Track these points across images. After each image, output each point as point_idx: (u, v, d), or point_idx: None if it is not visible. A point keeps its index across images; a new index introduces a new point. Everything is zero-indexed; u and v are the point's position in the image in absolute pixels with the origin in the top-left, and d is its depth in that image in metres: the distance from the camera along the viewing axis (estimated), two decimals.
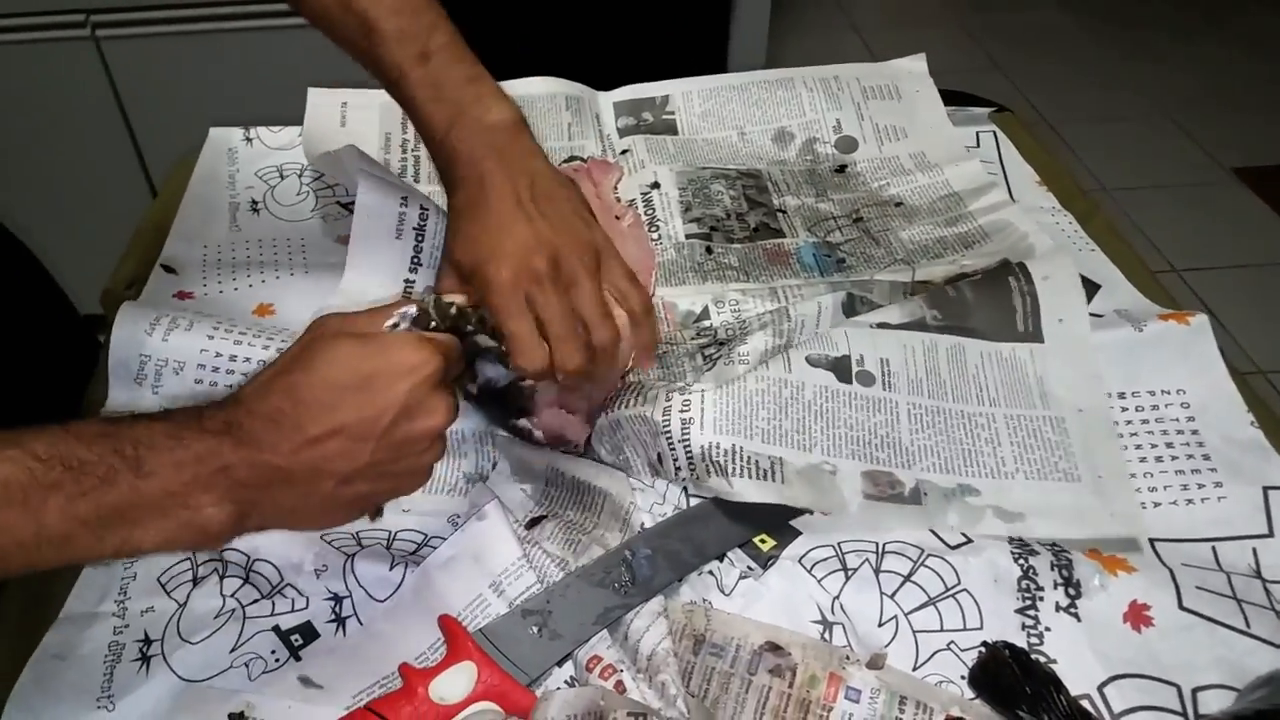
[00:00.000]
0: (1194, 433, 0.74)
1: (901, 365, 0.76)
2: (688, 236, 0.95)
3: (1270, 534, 0.69)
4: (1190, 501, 0.71)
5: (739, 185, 1.01)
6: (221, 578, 0.68)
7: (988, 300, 0.80)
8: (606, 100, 1.11)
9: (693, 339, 0.83)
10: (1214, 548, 0.68)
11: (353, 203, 0.88)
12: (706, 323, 0.85)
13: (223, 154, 1.07)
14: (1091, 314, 0.79)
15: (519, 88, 1.07)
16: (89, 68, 1.86)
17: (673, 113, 1.09)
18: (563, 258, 0.64)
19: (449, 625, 0.61)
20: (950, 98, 1.10)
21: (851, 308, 0.83)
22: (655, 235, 0.94)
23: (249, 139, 1.10)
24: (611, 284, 0.67)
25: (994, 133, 1.07)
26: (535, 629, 0.62)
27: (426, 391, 0.56)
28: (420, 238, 0.83)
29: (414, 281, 0.82)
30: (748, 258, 0.93)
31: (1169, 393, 0.76)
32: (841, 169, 1.03)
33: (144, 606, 0.67)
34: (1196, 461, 0.72)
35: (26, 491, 0.46)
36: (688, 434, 0.70)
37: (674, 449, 0.70)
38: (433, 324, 0.62)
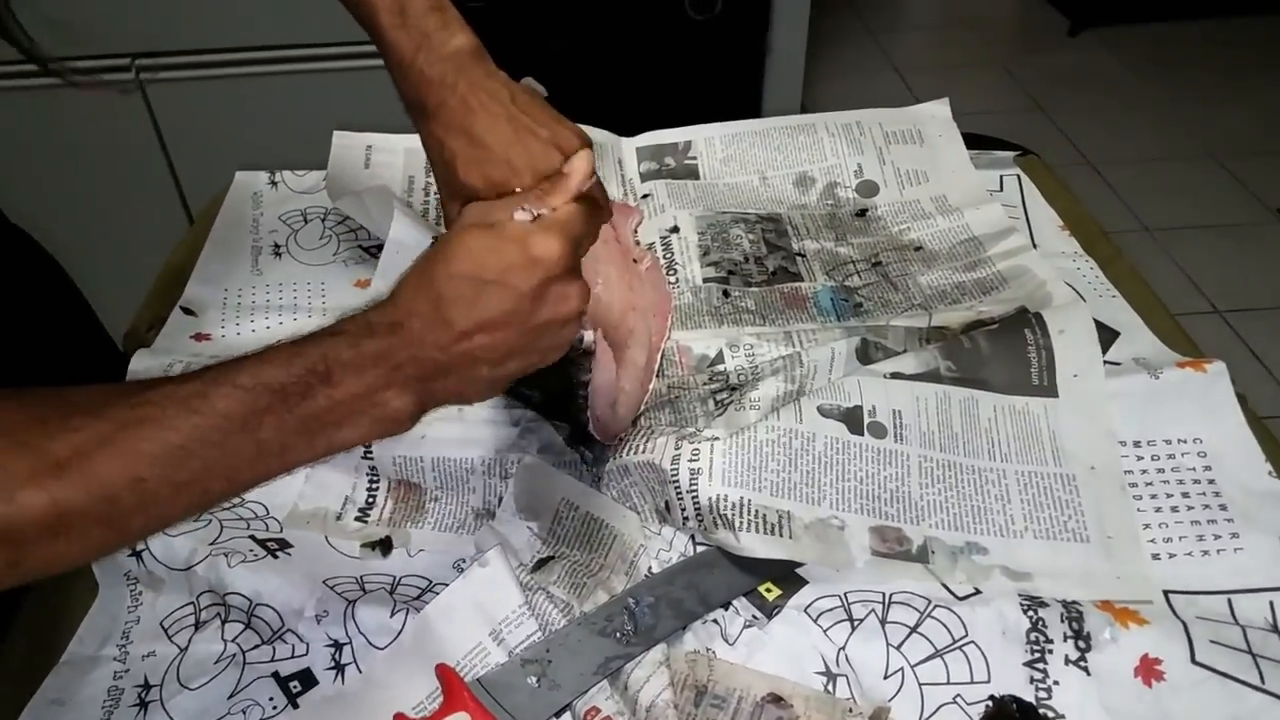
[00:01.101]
0: (1210, 482, 0.73)
1: (914, 417, 0.75)
2: (705, 280, 0.95)
3: None
4: (1206, 553, 0.70)
5: (759, 229, 1.01)
6: (224, 622, 0.68)
7: (1003, 352, 0.79)
8: (629, 145, 1.11)
9: (705, 383, 0.82)
10: (1229, 600, 0.66)
11: (375, 247, 0.92)
12: (720, 367, 0.85)
13: (247, 198, 1.09)
14: (1109, 362, 0.79)
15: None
16: (133, 109, 1.92)
17: (695, 158, 1.09)
18: (568, 152, 0.67)
19: (445, 675, 0.61)
20: (977, 141, 1.09)
21: (865, 354, 0.83)
22: (673, 279, 0.95)
23: (274, 182, 1.11)
24: None
25: (1017, 176, 1.06)
26: (534, 679, 0.62)
27: (558, 279, 0.59)
28: None
29: None
30: (765, 301, 0.93)
31: (1185, 441, 0.75)
32: (862, 213, 1.03)
33: (145, 651, 0.68)
34: (1213, 511, 0.71)
35: (245, 418, 0.51)
36: (696, 484, 0.70)
37: (682, 498, 0.70)
38: None
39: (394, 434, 0.60)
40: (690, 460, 0.71)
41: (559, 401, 0.80)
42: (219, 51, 1.84)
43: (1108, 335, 0.82)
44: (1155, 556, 0.70)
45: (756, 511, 0.69)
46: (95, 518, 0.47)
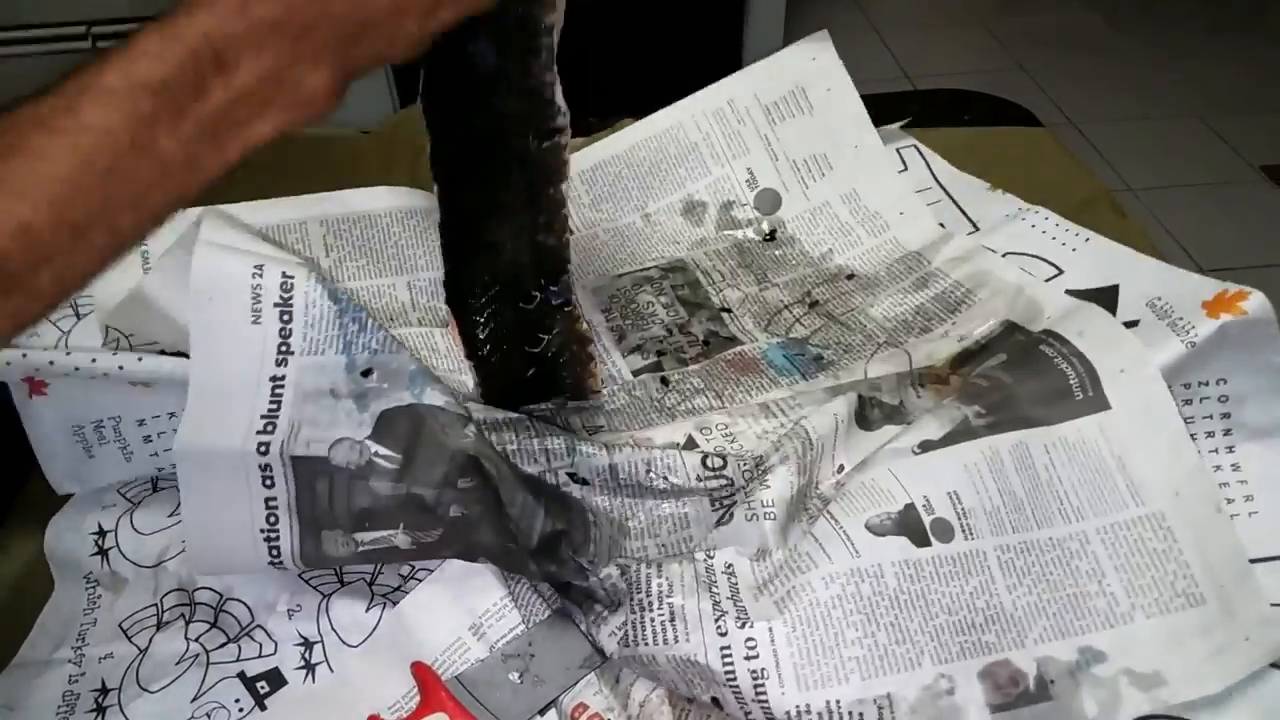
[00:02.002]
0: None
1: (974, 498, 0.65)
2: (635, 373, 0.83)
3: None
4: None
5: (668, 287, 0.91)
6: (188, 622, 0.70)
7: (1029, 375, 0.70)
8: None
9: (701, 478, 0.69)
10: None
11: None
12: (699, 448, 0.72)
13: None
14: (1126, 323, 0.72)
15: (386, 199, 0.91)
16: None
17: None
18: None
19: (422, 673, 0.61)
20: (980, 103, 1.00)
21: (863, 414, 0.74)
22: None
23: None
24: None
25: (915, 146, 1.00)
26: (516, 675, 0.62)
27: None
28: (287, 317, 0.64)
29: (283, 378, 0.63)
30: (712, 375, 0.82)
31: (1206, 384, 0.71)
32: (771, 235, 0.95)
33: (103, 653, 0.69)
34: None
35: (131, 131, 0.44)
36: (764, 692, 0.58)
37: (747, 707, 0.59)
38: None
39: (315, 117, 0.53)
40: (748, 655, 0.59)
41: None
42: None
43: (1106, 296, 0.76)
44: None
45: (850, 712, 0.58)
46: None
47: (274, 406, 0.62)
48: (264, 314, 0.62)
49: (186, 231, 0.67)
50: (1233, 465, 0.69)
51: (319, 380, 0.62)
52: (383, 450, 0.63)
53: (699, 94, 1.00)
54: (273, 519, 0.63)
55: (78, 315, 0.82)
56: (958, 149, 1.04)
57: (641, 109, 1.04)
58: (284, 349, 0.62)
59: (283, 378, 0.62)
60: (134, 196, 0.45)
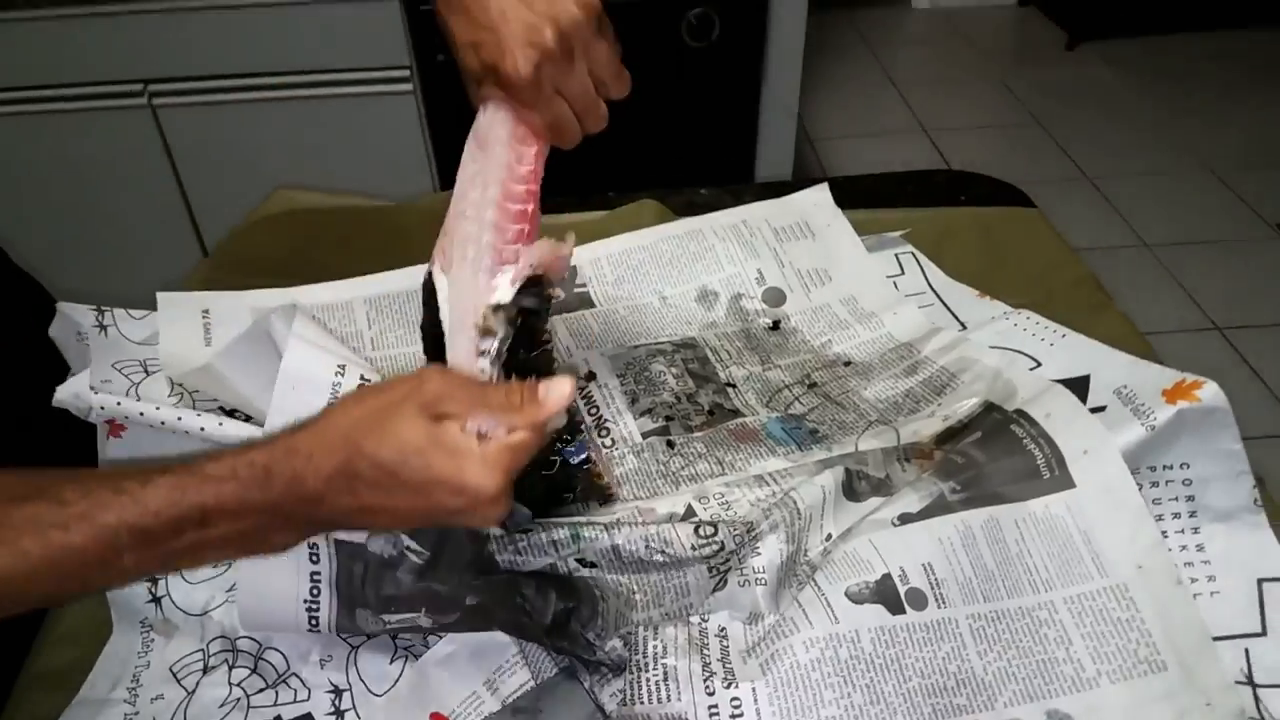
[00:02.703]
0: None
1: (947, 569, 0.71)
2: (644, 435, 0.89)
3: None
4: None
5: (679, 360, 0.97)
6: (231, 667, 0.77)
7: (1000, 454, 0.76)
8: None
9: (695, 546, 0.73)
10: None
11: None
12: (695, 519, 0.76)
13: (71, 337, 0.91)
14: (1093, 408, 0.78)
15: (396, 280, 1.01)
16: (145, 134, 2.08)
17: (584, 285, 1.07)
18: (563, 33, 0.65)
19: None
20: (977, 183, 1.06)
21: (850, 486, 0.79)
22: (606, 439, 0.89)
23: (102, 325, 0.90)
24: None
25: (912, 254, 1.08)
26: None
27: (480, 508, 0.59)
28: None
29: None
30: (714, 442, 0.87)
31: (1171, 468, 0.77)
32: (775, 325, 1.03)
33: (154, 694, 0.76)
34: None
35: (103, 554, 0.55)
36: None
37: None
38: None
39: (271, 555, 0.62)
40: (733, 714, 0.65)
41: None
42: (234, 76, 1.99)
43: (1079, 385, 0.81)
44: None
45: None
46: None
47: None
48: None
49: (254, 325, 0.79)
50: (1197, 546, 0.74)
51: None
52: (414, 546, 0.71)
53: (716, 213, 1.11)
54: (315, 591, 0.71)
55: (146, 372, 0.89)
56: (955, 229, 1.12)
57: (661, 183, 1.11)
58: None
59: None
60: (82, 587, 0.58)
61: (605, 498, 0.80)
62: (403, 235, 1.11)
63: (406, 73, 1.97)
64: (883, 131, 3.51)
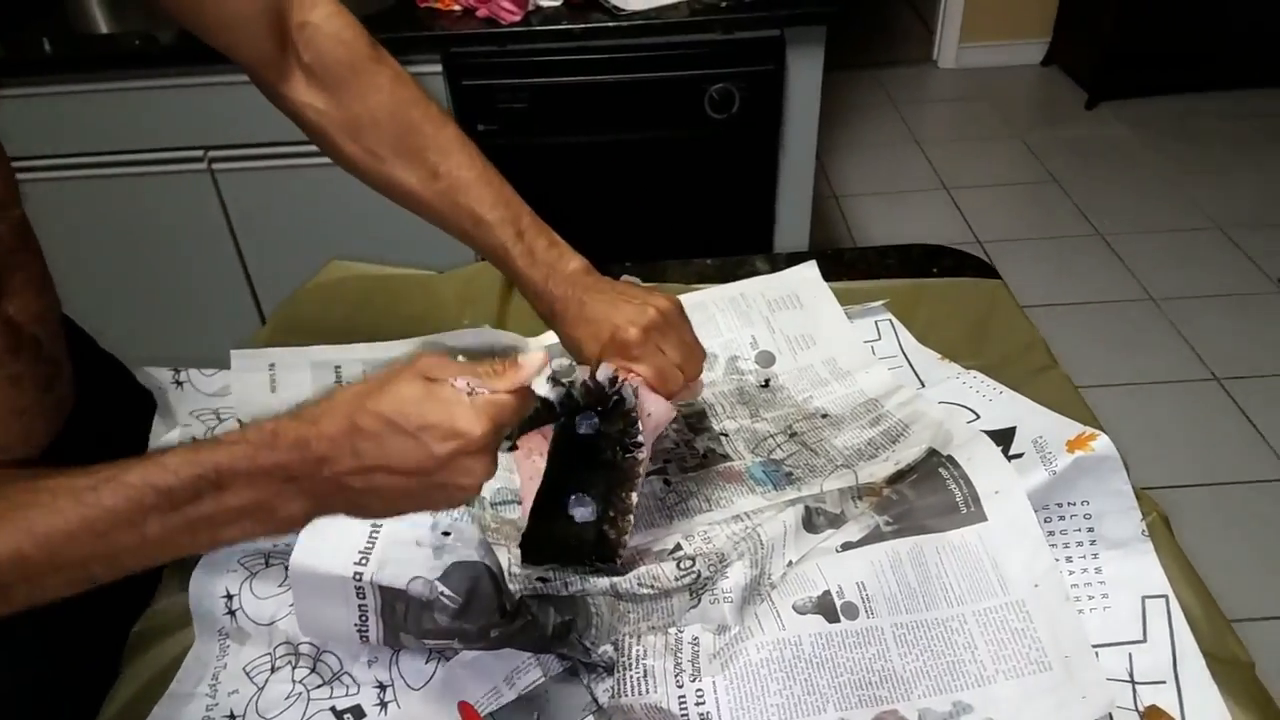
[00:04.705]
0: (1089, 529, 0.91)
1: (877, 587, 0.85)
2: (646, 474, 1.02)
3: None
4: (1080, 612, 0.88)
5: (680, 415, 1.13)
6: (294, 667, 0.92)
7: (927, 493, 0.91)
8: (537, 344, 1.22)
9: (677, 577, 0.90)
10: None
11: None
12: (681, 552, 0.93)
13: (154, 392, 1.12)
14: (1013, 455, 0.93)
15: (450, 340, 1.18)
16: (206, 199, 2.25)
17: None
18: (661, 313, 0.88)
19: (465, 710, 0.80)
20: (955, 259, 1.21)
21: (810, 522, 0.95)
22: (639, 453, 1.00)
23: (179, 382, 1.13)
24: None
25: (890, 321, 1.24)
26: (536, 715, 0.78)
27: (469, 455, 0.66)
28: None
29: (380, 525, 0.89)
30: (704, 482, 1.04)
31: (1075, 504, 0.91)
32: (766, 384, 1.18)
33: (231, 689, 0.91)
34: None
35: (130, 515, 0.60)
36: None
37: None
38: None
39: (283, 533, 0.70)
40: (697, 703, 0.79)
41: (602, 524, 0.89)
42: (291, 143, 2.06)
43: (1006, 435, 0.96)
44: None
45: None
46: None
47: (369, 545, 0.86)
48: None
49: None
50: (1096, 569, 0.89)
51: (408, 533, 0.88)
52: (447, 591, 0.84)
53: (718, 287, 1.30)
54: (363, 618, 0.87)
55: (219, 419, 1.10)
56: (926, 298, 1.28)
57: (688, 246, 1.24)
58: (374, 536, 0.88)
59: (380, 526, 0.88)
60: (111, 556, 0.61)
61: (613, 561, 0.90)
62: (442, 302, 1.30)
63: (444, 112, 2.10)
64: (905, 189, 3.67)
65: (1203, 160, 3.69)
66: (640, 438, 0.85)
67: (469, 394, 0.66)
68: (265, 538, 0.72)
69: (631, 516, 0.87)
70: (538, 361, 0.71)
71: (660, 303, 0.89)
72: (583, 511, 0.87)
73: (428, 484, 0.67)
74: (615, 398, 0.84)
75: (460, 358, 0.69)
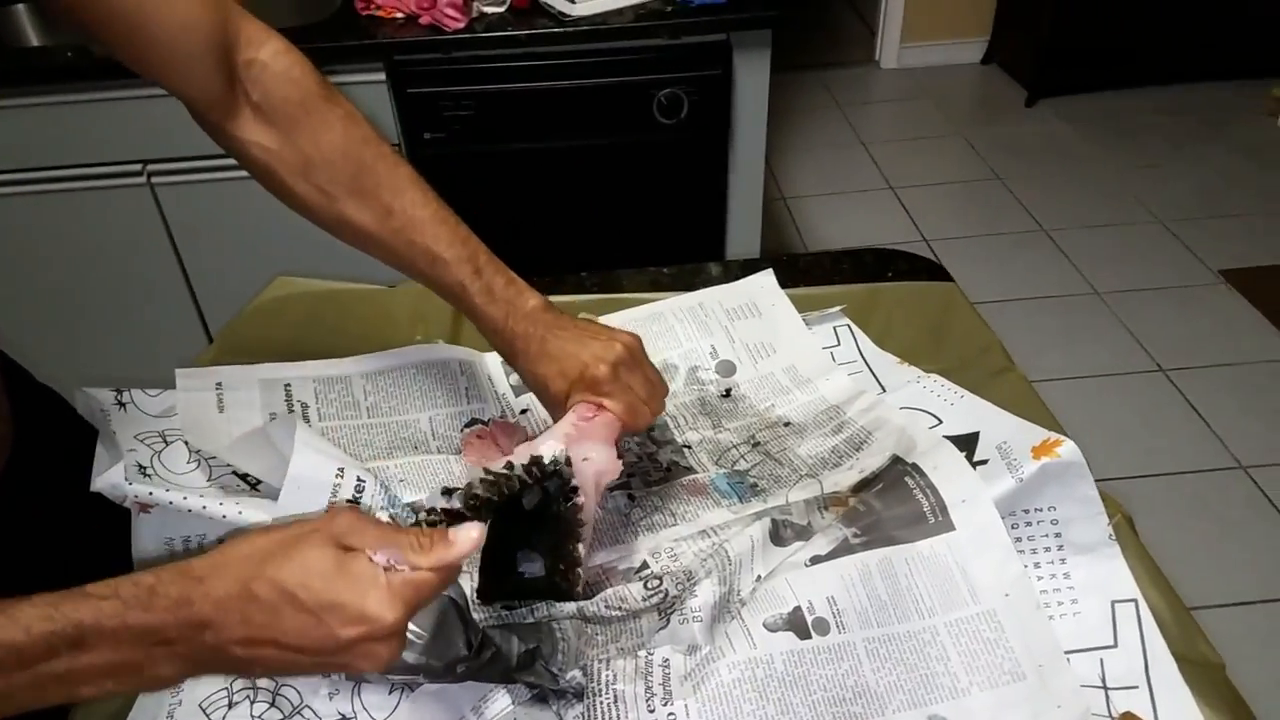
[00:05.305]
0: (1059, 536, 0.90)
1: (848, 601, 0.84)
2: (610, 489, 1.02)
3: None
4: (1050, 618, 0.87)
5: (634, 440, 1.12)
6: (252, 702, 0.86)
7: (894, 503, 0.90)
8: (494, 360, 1.20)
9: (645, 597, 0.90)
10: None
11: (259, 482, 0.97)
12: (648, 571, 0.93)
13: (95, 415, 1.06)
14: (977, 462, 0.92)
15: (412, 355, 1.17)
16: (145, 211, 2.20)
17: None
18: (628, 349, 0.90)
19: None
20: (911, 263, 1.21)
21: (777, 535, 0.93)
22: (577, 499, 0.98)
23: (121, 404, 1.06)
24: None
25: (848, 326, 1.24)
26: None
27: (376, 641, 0.61)
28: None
29: None
30: (669, 496, 1.02)
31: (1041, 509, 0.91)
32: (727, 393, 1.17)
33: None
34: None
35: None
36: None
37: None
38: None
39: (151, 691, 0.65)
40: None
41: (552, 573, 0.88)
42: (225, 156, 2.00)
43: (969, 440, 0.95)
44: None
45: None
46: None
47: None
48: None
49: (265, 426, 0.98)
50: (1064, 574, 0.89)
51: None
52: (413, 627, 0.78)
53: (676, 297, 1.28)
54: None
55: (165, 441, 1.03)
56: (881, 303, 1.27)
57: (640, 251, 1.23)
58: None
59: None
60: None
61: (570, 600, 0.88)
62: (392, 318, 1.27)
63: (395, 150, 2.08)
64: (852, 190, 3.69)
65: (1141, 155, 3.75)
66: (575, 482, 0.85)
67: (386, 569, 0.61)
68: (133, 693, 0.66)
69: (580, 569, 0.86)
70: (470, 540, 0.66)
71: (625, 339, 0.90)
72: (531, 568, 0.86)
73: (321, 663, 0.62)
74: (553, 469, 0.84)
75: (383, 514, 0.66)
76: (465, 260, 0.92)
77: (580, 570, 0.86)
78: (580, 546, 0.86)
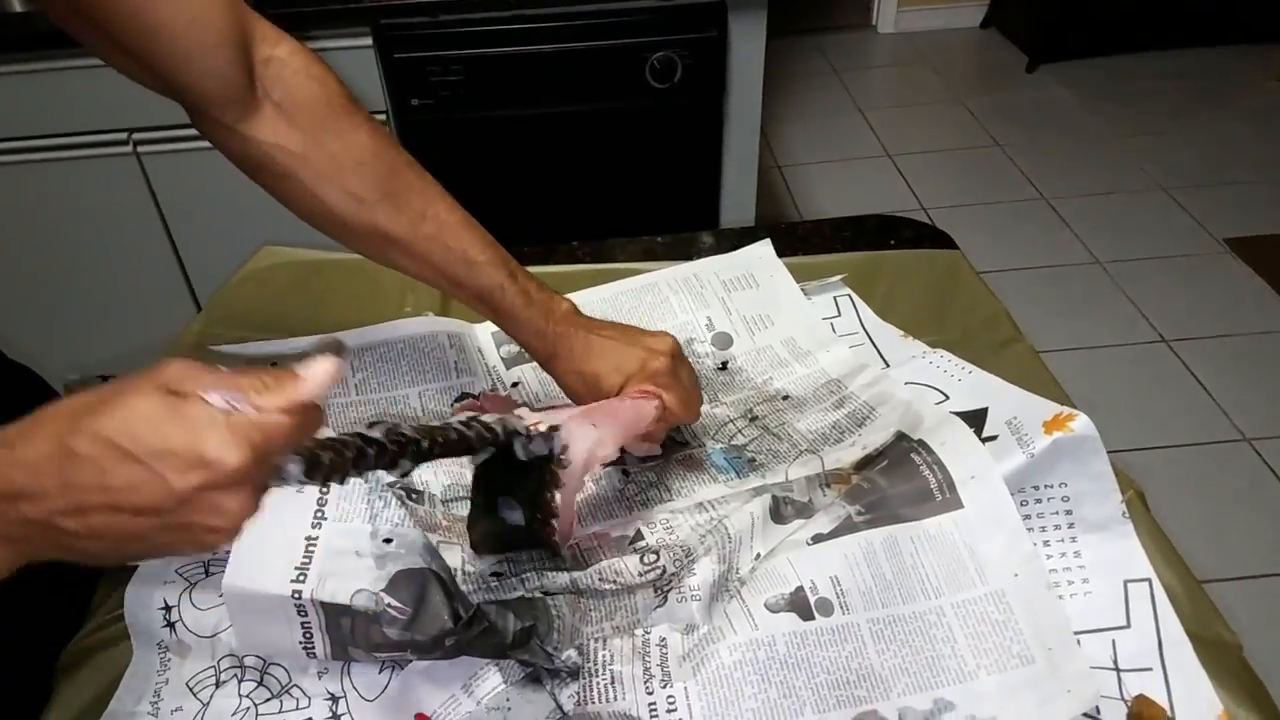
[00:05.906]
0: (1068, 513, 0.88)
1: (851, 581, 0.82)
2: (604, 465, 0.97)
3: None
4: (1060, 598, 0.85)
5: None
6: (240, 681, 0.86)
7: (899, 481, 0.88)
8: (484, 331, 1.19)
9: (641, 573, 0.86)
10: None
11: None
12: (643, 542, 0.90)
13: None
14: (987, 437, 0.90)
15: (400, 329, 1.14)
16: (132, 181, 2.17)
17: None
18: (678, 345, 0.94)
19: None
20: (913, 229, 1.18)
21: (778, 512, 0.91)
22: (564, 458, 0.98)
23: None
24: None
25: (849, 296, 1.21)
26: None
27: (220, 490, 0.52)
28: (326, 490, 0.87)
29: (316, 538, 0.84)
30: (664, 471, 1.00)
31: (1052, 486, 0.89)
32: (724, 366, 1.15)
33: (174, 706, 0.85)
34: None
35: None
36: None
37: None
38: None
39: None
40: (668, 710, 0.76)
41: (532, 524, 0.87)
42: None
43: (978, 416, 0.93)
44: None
45: None
46: None
47: (306, 559, 0.82)
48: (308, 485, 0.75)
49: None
50: (1075, 553, 0.86)
51: (346, 543, 0.84)
52: (394, 602, 0.79)
53: (672, 268, 1.25)
54: (308, 635, 0.82)
55: None
56: (883, 272, 1.24)
57: (633, 219, 1.22)
58: (320, 515, 0.85)
59: (316, 538, 0.84)
60: None
61: (554, 552, 0.88)
62: (382, 288, 1.24)
63: (383, 118, 2.06)
64: (849, 157, 3.65)
65: (1143, 122, 3.70)
66: (564, 442, 0.82)
67: (227, 412, 0.53)
68: None
69: (555, 521, 0.84)
70: (323, 373, 0.57)
71: (669, 336, 0.94)
72: (512, 515, 0.85)
73: (164, 525, 0.52)
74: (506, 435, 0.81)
75: (221, 367, 0.54)
76: (500, 264, 0.92)
77: (556, 522, 0.84)
78: (557, 495, 0.83)
